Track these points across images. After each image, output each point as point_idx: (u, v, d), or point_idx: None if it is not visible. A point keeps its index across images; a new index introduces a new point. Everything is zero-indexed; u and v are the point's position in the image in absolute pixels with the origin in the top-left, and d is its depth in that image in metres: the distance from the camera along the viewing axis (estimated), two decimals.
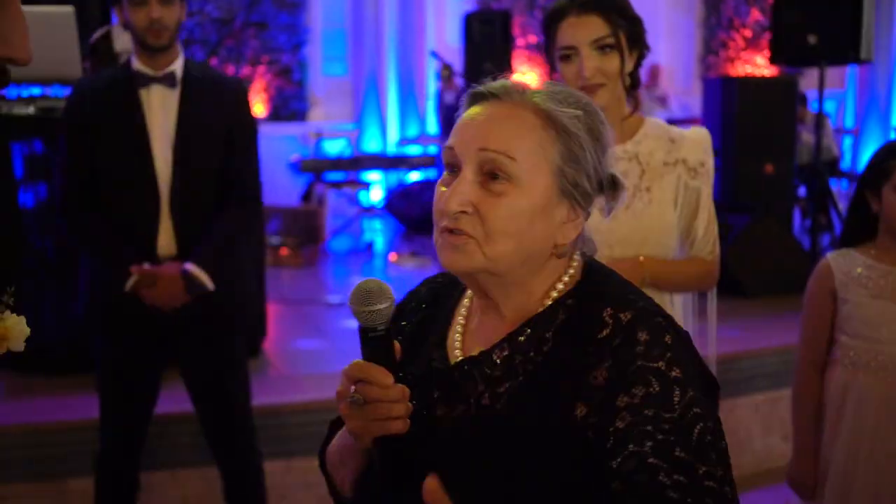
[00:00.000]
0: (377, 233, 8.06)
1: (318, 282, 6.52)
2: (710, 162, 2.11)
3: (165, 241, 2.58)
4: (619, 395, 1.03)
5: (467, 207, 1.08)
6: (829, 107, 6.54)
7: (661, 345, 1.05)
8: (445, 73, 6.62)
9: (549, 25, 2.00)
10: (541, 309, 1.13)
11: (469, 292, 1.23)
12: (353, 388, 1.07)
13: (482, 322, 1.18)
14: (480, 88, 1.14)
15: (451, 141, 1.13)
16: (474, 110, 1.13)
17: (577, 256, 1.17)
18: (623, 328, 1.07)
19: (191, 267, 2.54)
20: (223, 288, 2.59)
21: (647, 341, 1.05)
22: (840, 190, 7.68)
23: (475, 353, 1.15)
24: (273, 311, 5.07)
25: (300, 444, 3.62)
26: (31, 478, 3.24)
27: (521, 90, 1.12)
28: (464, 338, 1.19)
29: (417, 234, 7.64)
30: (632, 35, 1.97)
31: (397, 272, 6.65)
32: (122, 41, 4.12)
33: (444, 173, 1.14)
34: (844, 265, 2.21)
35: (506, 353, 1.12)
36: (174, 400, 3.01)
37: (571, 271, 1.16)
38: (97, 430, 2.72)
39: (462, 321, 1.21)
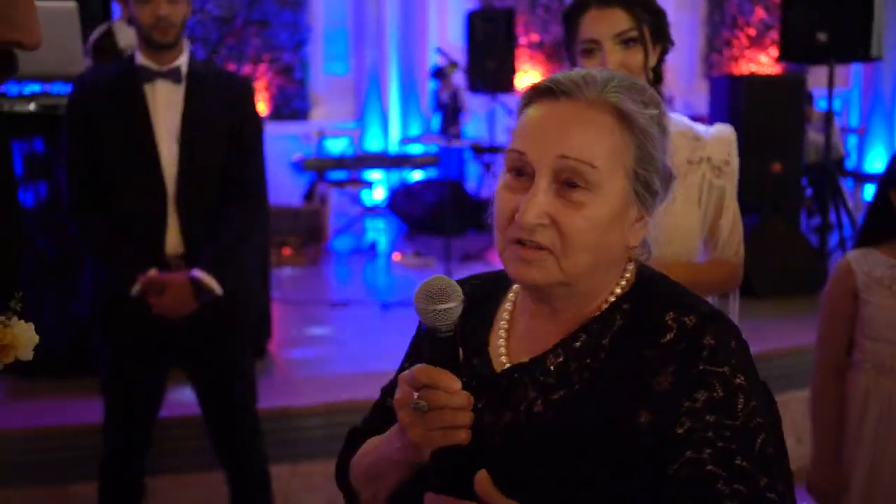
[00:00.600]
0: (380, 232, 8.01)
1: (321, 282, 6.46)
2: (735, 161, 2.06)
3: (173, 238, 2.53)
4: (683, 400, 0.99)
5: (544, 220, 1.02)
6: (835, 105, 6.49)
7: (727, 350, 1.01)
8: (451, 70, 6.57)
9: (571, 19, 1.94)
10: (597, 313, 1.08)
11: (511, 294, 1.18)
12: (416, 394, 1.01)
13: (531, 326, 1.13)
14: (548, 83, 1.07)
15: (520, 145, 1.05)
16: (543, 109, 1.06)
17: (632, 260, 1.12)
18: (688, 332, 1.02)
19: (199, 273, 2.49)
20: (230, 290, 2.55)
21: (713, 346, 1.01)
22: (846, 189, 7.63)
23: (524, 359, 1.10)
24: (277, 311, 5.02)
25: (305, 448, 3.59)
26: (34, 482, 3.20)
27: (593, 86, 1.05)
28: (509, 343, 1.14)
29: (420, 233, 7.59)
30: (655, 28, 1.91)
31: (401, 272, 6.60)
32: (126, 36, 4.06)
33: (507, 176, 1.07)
34: (866, 265, 2.15)
35: (560, 359, 1.07)
36: (179, 403, 2.96)
37: (628, 275, 1.11)
38: (101, 434, 2.67)
39: (505, 325, 1.16)
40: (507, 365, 1.11)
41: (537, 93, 1.07)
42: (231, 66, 8.19)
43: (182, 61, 2.56)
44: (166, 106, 2.53)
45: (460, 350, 1.03)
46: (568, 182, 1.02)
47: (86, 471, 2.97)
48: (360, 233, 7.60)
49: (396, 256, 7.05)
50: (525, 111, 1.08)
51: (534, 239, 1.02)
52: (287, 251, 6.81)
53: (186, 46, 2.60)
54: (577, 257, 1.02)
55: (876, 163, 8.81)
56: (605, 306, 1.08)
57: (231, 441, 2.69)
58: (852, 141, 8.99)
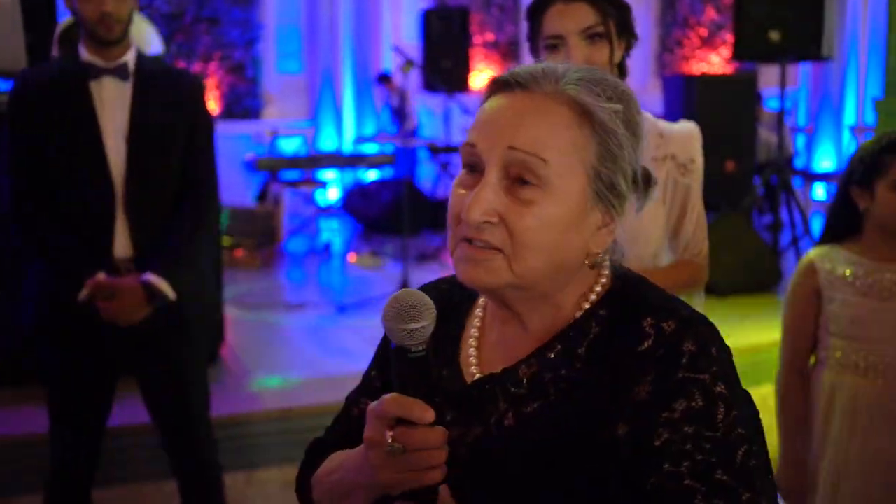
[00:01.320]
0: (335, 233, 7.92)
1: (275, 284, 6.36)
2: (700, 158, 2.04)
3: (122, 241, 2.43)
4: (661, 410, 0.93)
5: (492, 217, 0.96)
6: (785, 104, 6.60)
7: (708, 357, 0.95)
8: (407, 69, 6.52)
9: (535, 14, 1.89)
10: (572, 321, 1.02)
11: (482, 300, 1.12)
12: (389, 434, 0.93)
13: (503, 335, 1.07)
14: (505, 76, 1.01)
15: (472, 137, 1.00)
16: (499, 101, 1.00)
17: (607, 264, 1.05)
18: (667, 338, 0.96)
19: (151, 277, 2.39)
20: (183, 295, 2.46)
21: (693, 352, 0.95)
22: (796, 188, 7.75)
23: (496, 370, 1.04)
24: (230, 315, 4.91)
25: (261, 455, 3.54)
26: None
27: (554, 78, 0.99)
28: (480, 352, 1.08)
29: (376, 233, 7.52)
30: (621, 23, 1.88)
31: (356, 273, 6.53)
32: None
33: (462, 172, 1.02)
34: (830, 263, 2.14)
35: (534, 369, 1.01)
36: (129, 411, 2.87)
37: (603, 280, 1.05)
38: (47, 445, 2.56)
39: (476, 333, 1.10)
40: (478, 376, 1.06)
41: (496, 85, 1.02)
42: (181, 64, 8.03)
43: (129, 58, 2.46)
44: (113, 104, 2.44)
45: (431, 370, 0.96)
46: (518, 177, 0.96)
47: (31, 483, 2.88)
48: (315, 233, 7.50)
49: (352, 257, 6.97)
50: (483, 104, 1.03)
51: (482, 238, 0.96)
52: (240, 253, 6.68)
53: (133, 42, 2.50)
54: (528, 259, 0.96)
55: (824, 161, 8.96)
56: (579, 313, 1.02)
57: (183, 450, 2.61)
58: (801, 140, 9.13)
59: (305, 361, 4.39)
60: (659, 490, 0.92)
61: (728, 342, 1.01)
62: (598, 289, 1.04)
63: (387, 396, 0.94)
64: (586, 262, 1.01)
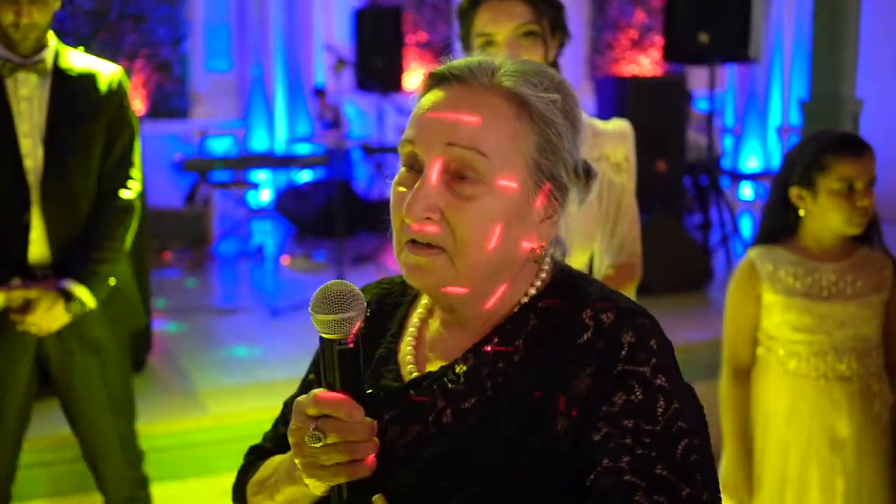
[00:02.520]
0: (267, 235, 7.78)
1: (206, 288, 6.21)
2: (633, 156, 2.04)
3: (37, 246, 2.32)
4: (601, 403, 0.92)
5: (433, 214, 0.94)
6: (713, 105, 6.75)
7: (647, 349, 0.93)
8: (339, 68, 6.44)
9: (466, 12, 1.86)
10: (509, 315, 1.00)
11: (425, 299, 1.09)
12: (312, 425, 0.90)
13: (442, 333, 1.04)
14: (442, 69, 0.99)
15: (409, 134, 0.97)
16: (435, 95, 0.98)
17: (548, 259, 1.04)
18: (606, 330, 0.95)
19: (68, 283, 2.28)
20: (102, 302, 2.35)
21: (632, 343, 0.93)
22: (723, 188, 7.90)
23: (434, 367, 1.02)
24: (158, 321, 4.77)
25: (192, 464, 3.43)
26: None
27: (490, 70, 0.97)
28: (418, 351, 1.06)
29: (310, 235, 7.41)
30: (554, 21, 1.86)
31: (290, 276, 6.43)
32: None
33: (402, 170, 0.99)
34: (769, 262, 2.14)
35: (470, 364, 0.99)
36: (50, 423, 2.75)
37: (543, 275, 1.03)
38: None
39: (415, 332, 1.07)
40: (416, 374, 1.03)
41: (433, 79, 1.00)
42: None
43: (48, 53, 2.35)
44: (30, 101, 2.32)
45: (361, 364, 0.93)
46: (458, 174, 0.94)
47: None
48: (247, 236, 7.36)
49: (285, 260, 6.86)
50: (420, 99, 1.00)
51: (425, 238, 0.95)
52: (168, 256, 6.51)
53: (52, 36, 2.39)
54: (470, 255, 0.95)
55: (751, 161, 9.17)
56: (517, 308, 1.01)
57: (106, 465, 2.50)
58: (728, 141, 9.32)
59: (238, 367, 4.28)
60: (599, 486, 0.89)
61: None
62: (539, 283, 1.02)
63: (314, 391, 0.91)
64: (530, 256, 1.00)
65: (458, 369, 1.00)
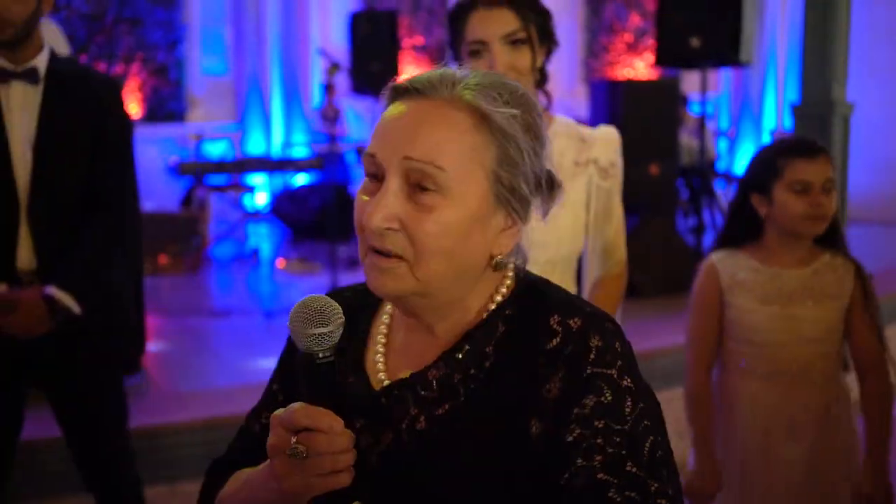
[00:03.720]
0: (263, 238, 7.80)
1: (201, 291, 6.23)
2: (620, 162, 2.07)
3: (25, 252, 2.33)
4: (572, 406, 0.96)
5: (393, 223, 0.97)
6: (707, 109, 6.76)
7: (613, 352, 0.98)
8: (333, 72, 6.47)
9: (457, 19, 1.89)
10: (477, 323, 1.03)
11: (388, 307, 1.11)
12: (293, 439, 0.91)
13: (409, 340, 1.07)
14: (403, 82, 1.01)
15: (371, 147, 1.00)
16: (396, 109, 1.00)
17: (511, 267, 1.06)
18: (574, 335, 0.98)
19: (53, 290, 2.29)
20: (91, 309, 2.36)
21: (599, 347, 0.97)
22: (718, 191, 7.94)
23: (404, 375, 1.04)
24: (153, 323, 4.79)
25: (184, 467, 3.43)
26: None
27: (450, 84, 0.99)
28: (387, 359, 1.08)
29: (305, 238, 7.43)
30: (542, 29, 1.89)
31: (285, 279, 6.44)
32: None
33: (366, 180, 1.02)
34: (730, 267, 2.15)
35: (442, 371, 1.01)
36: (43, 423, 2.76)
37: (508, 282, 1.06)
38: None
39: (383, 339, 1.09)
40: (386, 382, 1.05)
41: (396, 92, 1.02)
42: (101, 66, 7.80)
43: (40, 60, 2.35)
44: (22, 109, 2.32)
45: (338, 377, 0.96)
46: (418, 185, 0.97)
47: None
48: (242, 239, 7.38)
49: (280, 263, 6.88)
50: (383, 112, 1.02)
51: (385, 246, 0.97)
52: (164, 259, 6.53)
53: (45, 44, 2.40)
54: (430, 264, 0.97)
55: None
56: (485, 314, 1.03)
57: (99, 466, 2.51)
58: (723, 144, 9.36)
59: (232, 370, 4.30)
60: (574, 485, 0.93)
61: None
62: (504, 290, 1.05)
63: (294, 406, 0.93)
64: (490, 265, 1.02)
65: (430, 377, 1.02)
